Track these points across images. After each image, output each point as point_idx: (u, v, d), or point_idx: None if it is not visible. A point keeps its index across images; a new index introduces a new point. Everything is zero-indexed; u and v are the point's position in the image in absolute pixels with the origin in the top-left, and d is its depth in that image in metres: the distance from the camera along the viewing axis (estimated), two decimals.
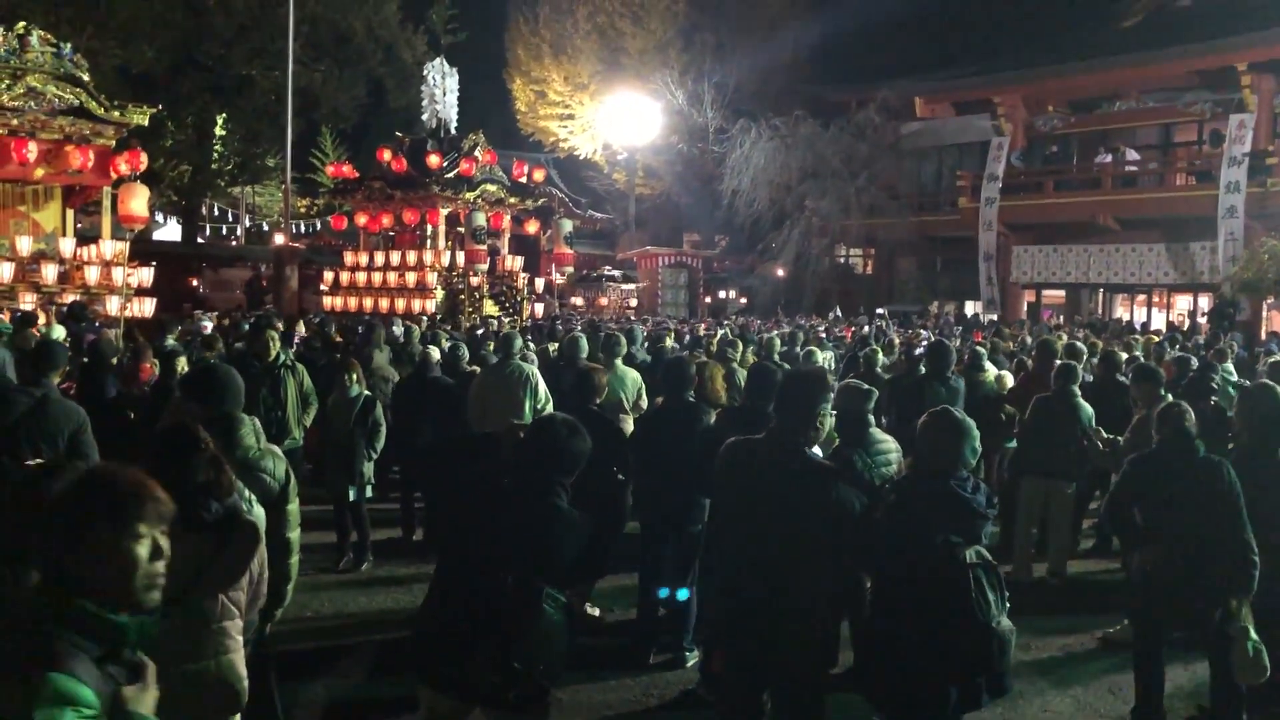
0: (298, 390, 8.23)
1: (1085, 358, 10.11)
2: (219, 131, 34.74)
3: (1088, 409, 7.81)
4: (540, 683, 3.52)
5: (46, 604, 1.98)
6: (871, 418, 5.52)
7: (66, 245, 16.54)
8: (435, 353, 9.42)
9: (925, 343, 12.46)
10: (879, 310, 27.89)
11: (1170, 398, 6.63)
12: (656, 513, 6.13)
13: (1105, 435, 7.32)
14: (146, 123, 17.25)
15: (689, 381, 6.22)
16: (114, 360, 8.72)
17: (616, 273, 32.49)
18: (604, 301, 30.34)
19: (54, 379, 5.93)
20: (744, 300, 34.55)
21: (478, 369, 9.32)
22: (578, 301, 29.71)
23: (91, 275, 16.04)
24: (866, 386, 5.52)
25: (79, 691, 1.89)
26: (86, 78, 16.33)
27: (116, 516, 2.05)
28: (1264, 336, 19.64)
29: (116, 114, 16.41)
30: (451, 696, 3.61)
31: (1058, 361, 8.38)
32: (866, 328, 20.62)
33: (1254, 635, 4.85)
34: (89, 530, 2.03)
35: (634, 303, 30.94)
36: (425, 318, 19.36)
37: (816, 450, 4.19)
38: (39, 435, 5.66)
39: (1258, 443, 5.44)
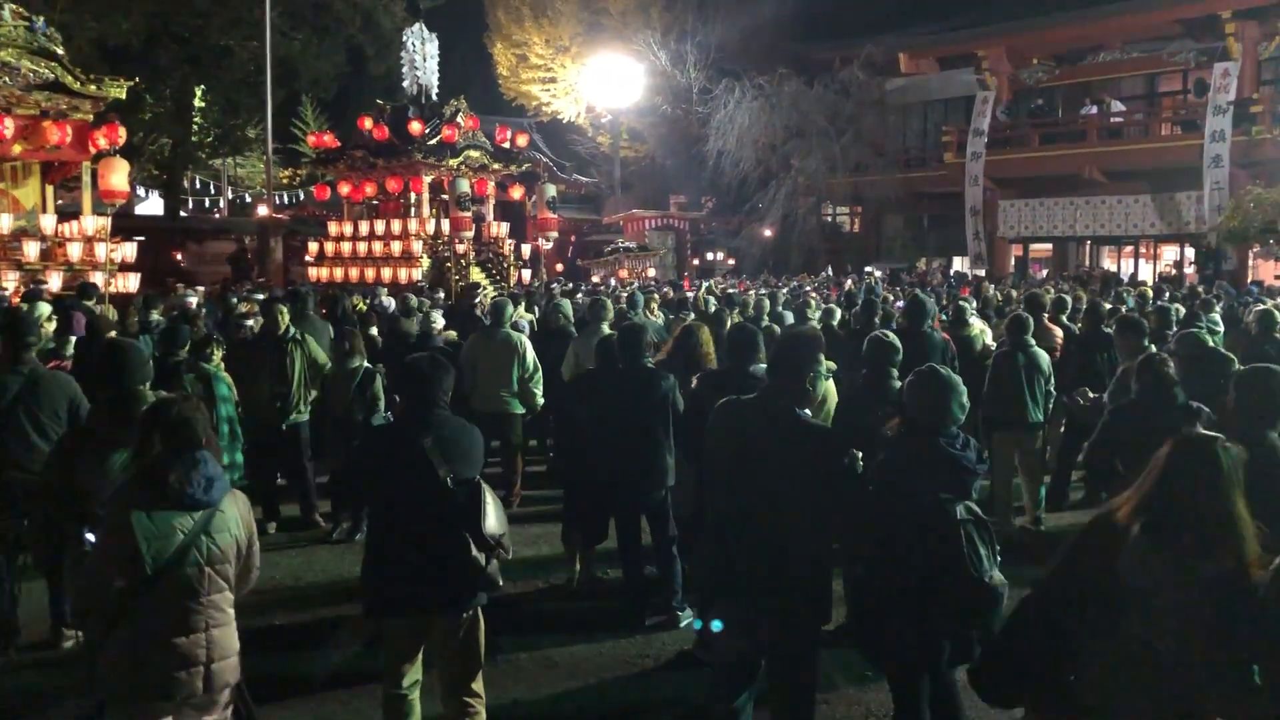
0: (305, 365, 8.20)
1: (1068, 309, 10.16)
2: (198, 103, 34.35)
3: (1045, 357, 7.95)
4: (497, 553, 4.07)
5: None
6: (895, 370, 5.71)
7: (47, 222, 16.37)
8: (440, 321, 9.41)
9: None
10: (867, 268, 27.87)
11: (1154, 349, 6.66)
12: (611, 480, 6.12)
13: (1090, 394, 7.33)
14: (124, 96, 17.02)
15: (644, 346, 6.21)
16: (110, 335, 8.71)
17: (632, 244, 32.26)
18: (623, 274, 30.08)
19: (31, 353, 5.90)
20: (732, 261, 34.45)
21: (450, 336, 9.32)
22: (595, 279, 29.33)
23: (74, 252, 15.90)
24: (893, 338, 5.87)
25: None
26: (61, 51, 16.08)
27: None
28: (1249, 284, 19.69)
29: (93, 88, 16.18)
30: (412, 615, 4.12)
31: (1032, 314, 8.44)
32: (849, 284, 20.68)
33: None
34: None
35: (651, 272, 30.71)
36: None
37: (807, 411, 4.21)
38: (38, 410, 5.66)
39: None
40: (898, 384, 5.63)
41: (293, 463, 8.34)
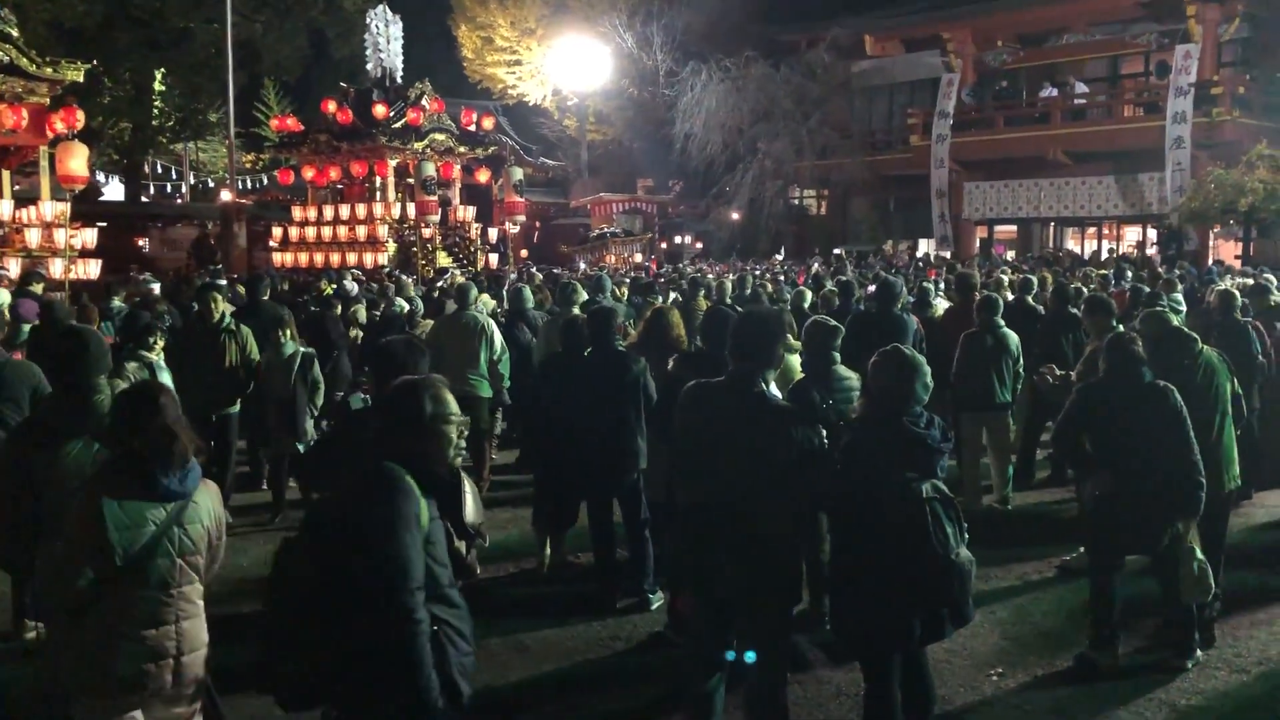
0: (240, 355, 8.02)
1: (1034, 289, 10.22)
2: (158, 87, 33.79)
3: (1014, 338, 7.99)
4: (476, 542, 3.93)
5: None
6: (837, 354, 5.65)
7: (4, 208, 16.11)
8: (405, 306, 9.34)
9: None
10: (835, 251, 27.98)
11: (1122, 328, 6.71)
12: (583, 464, 6.11)
13: (1057, 372, 7.38)
14: (81, 79, 16.78)
15: (614, 329, 6.20)
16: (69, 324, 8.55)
17: (618, 230, 32.10)
18: (610, 259, 29.88)
19: None
20: (700, 245, 34.47)
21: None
22: (582, 266, 29.11)
23: (33, 238, 15.66)
24: (833, 323, 5.78)
25: None
26: (16, 33, 15.80)
27: None
28: (1210, 264, 19.92)
29: (49, 70, 15.92)
30: None
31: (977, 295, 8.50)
32: (816, 266, 20.76)
33: (1200, 555, 4.99)
34: None
35: (638, 258, 30.58)
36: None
37: (774, 390, 4.21)
38: (3, 398, 5.59)
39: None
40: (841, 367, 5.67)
41: (219, 454, 8.08)
